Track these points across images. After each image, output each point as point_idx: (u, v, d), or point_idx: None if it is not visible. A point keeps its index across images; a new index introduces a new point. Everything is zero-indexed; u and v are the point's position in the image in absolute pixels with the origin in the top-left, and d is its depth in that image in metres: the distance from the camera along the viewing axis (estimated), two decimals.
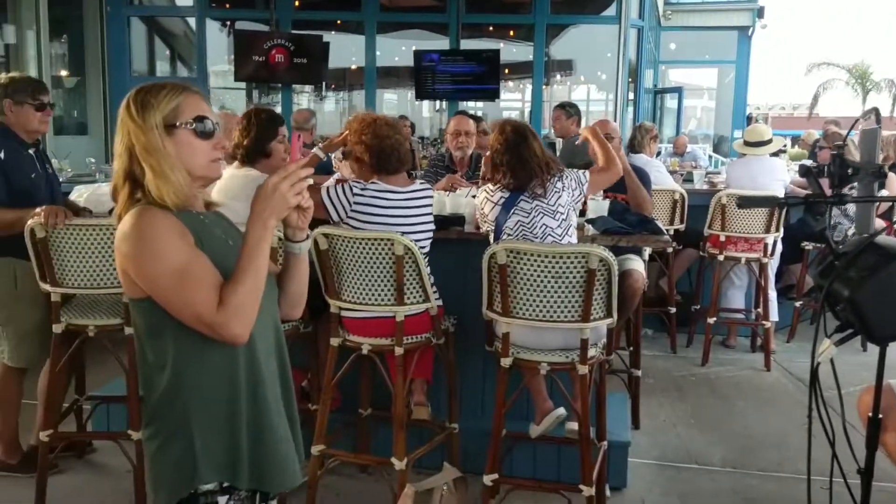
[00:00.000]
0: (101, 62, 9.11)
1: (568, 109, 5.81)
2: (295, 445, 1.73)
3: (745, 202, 1.79)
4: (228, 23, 10.24)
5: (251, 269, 1.53)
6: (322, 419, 3.09)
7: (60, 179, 3.88)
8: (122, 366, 3.26)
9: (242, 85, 10.37)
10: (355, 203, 3.01)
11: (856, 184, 1.92)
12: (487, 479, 2.96)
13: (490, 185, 3.26)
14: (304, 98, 11.91)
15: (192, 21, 9.90)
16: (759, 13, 13.70)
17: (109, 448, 3.58)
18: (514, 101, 13.79)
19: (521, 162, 3.15)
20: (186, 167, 1.60)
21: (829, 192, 1.99)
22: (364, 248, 2.91)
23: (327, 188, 3.06)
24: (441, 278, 3.20)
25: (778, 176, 5.48)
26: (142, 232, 1.52)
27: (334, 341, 3.09)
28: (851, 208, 5.54)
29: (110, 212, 3.62)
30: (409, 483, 2.86)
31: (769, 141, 5.52)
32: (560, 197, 3.17)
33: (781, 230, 5.18)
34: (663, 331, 5.72)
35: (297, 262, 1.74)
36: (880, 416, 1.94)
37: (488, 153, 3.35)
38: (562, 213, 3.16)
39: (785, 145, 6.88)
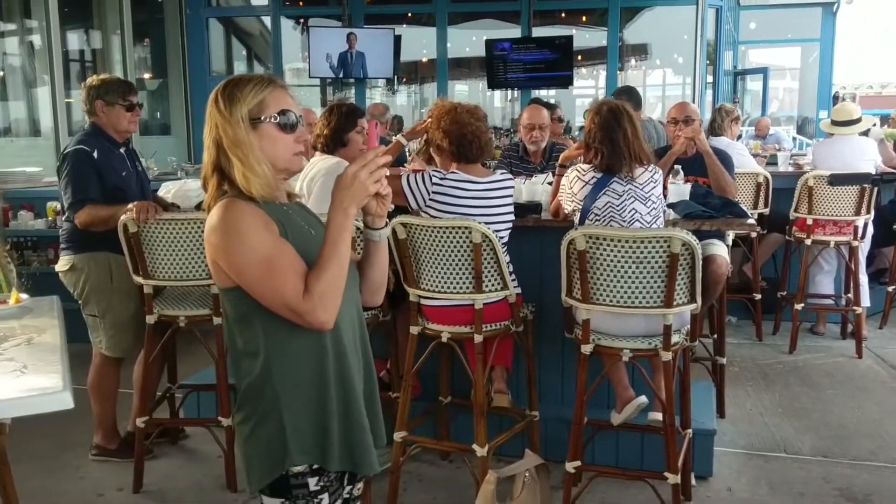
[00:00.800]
0: (182, 64, 9.41)
1: (621, 98, 5.64)
2: (376, 428, 1.76)
3: (837, 180, 1.73)
4: (302, 20, 10.43)
5: (334, 257, 1.56)
6: (403, 406, 3.13)
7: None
8: (211, 355, 3.39)
9: (317, 81, 10.55)
10: (434, 192, 3.03)
11: None
12: (570, 466, 2.94)
13: (583, 165, 3.21)
14: (376, 93, 12.05)
15: (267, 20, 10.12)
16: None
17: (201, 434, 3.73)
18: (587, 87, 13.58)
19: (614, 143, 3.08)
20: (269, 160, 1.64)
21: None
22: (442, 237, 2.92)
23: (407, 176, 3.09)
24: (518, 266, 3.19)
25: (868, 156, 5.22)
26: (229, 224, 1.57)
27: (414, 329, 3.12)
28: None
29: (197, 206, 3.77)
30: (490, 469, 2.87)
31: (858, 120, 5.27)
32: (655, 187, 3.11)
33: (872, 212, 4.95)
34: (748, 318, 5.56)
35: (377, 249, 1.76)
36: None
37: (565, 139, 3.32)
38: (654, 203, 3.09)
39: (875, 124, 6.55)
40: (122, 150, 3.54)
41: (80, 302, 3.52)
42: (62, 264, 3.50)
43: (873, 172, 5.08)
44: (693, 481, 3.19)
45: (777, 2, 13.25)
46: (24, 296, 2.16)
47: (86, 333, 3.57)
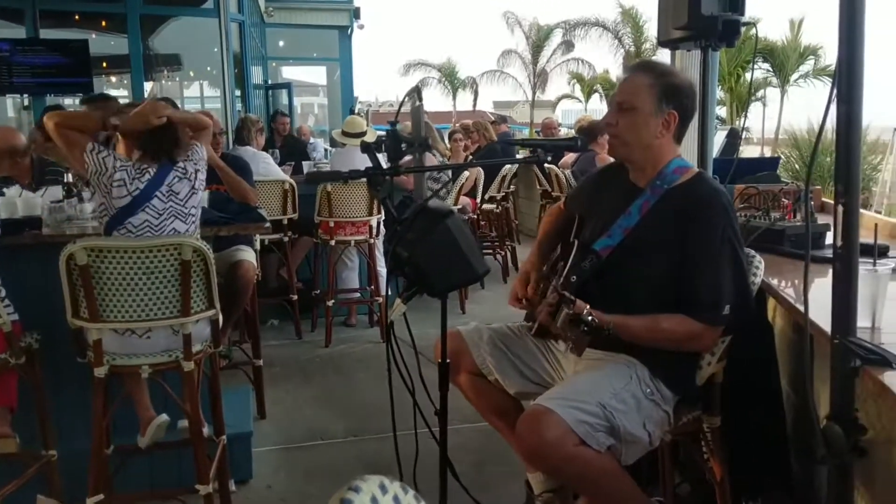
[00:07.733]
0: None
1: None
2: None
3: (312, 178, 1.88)
4: None
5: None
6: None
7: None
8: None
9: None
10: None
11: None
12: (91, 502, 2.70)
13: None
14: None
15: None
16: (356, 14, 14.56)
17: None
18: (120, 96, 12.80)
19: None
20: None
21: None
22: None
23: None
24: (20, 290, 2.83)
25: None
26: None
27: None
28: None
29: None
30: None
31: (364, 133, 5.93)
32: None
33: (383, 213, 5.57)
34: (288, 319, 5.80)
35: None
36: (447, 360, 2.20)
37: None
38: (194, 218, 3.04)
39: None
40: None
41: None
42: None
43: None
44: (233, 486, 3.19)
45: (298, 21, 14.13)
46: None
47: None
